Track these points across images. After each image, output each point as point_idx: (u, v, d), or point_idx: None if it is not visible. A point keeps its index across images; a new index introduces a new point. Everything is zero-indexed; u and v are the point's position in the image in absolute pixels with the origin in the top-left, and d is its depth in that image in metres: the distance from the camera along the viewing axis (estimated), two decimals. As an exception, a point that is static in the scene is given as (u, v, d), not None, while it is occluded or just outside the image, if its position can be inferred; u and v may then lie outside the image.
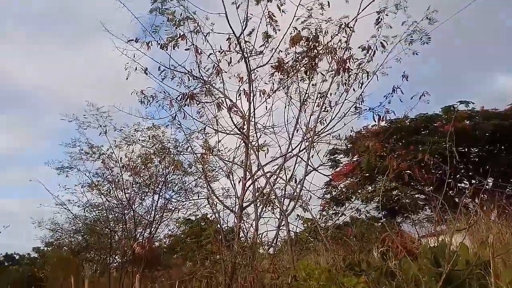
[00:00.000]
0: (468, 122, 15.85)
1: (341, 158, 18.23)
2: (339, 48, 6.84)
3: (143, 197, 12.75)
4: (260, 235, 6.70)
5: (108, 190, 12.56)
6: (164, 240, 16.28)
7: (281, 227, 6.45)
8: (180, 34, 6.18)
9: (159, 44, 6.32)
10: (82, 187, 12.41)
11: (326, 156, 9.29)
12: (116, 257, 14.81)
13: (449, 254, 3.81)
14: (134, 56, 6.44)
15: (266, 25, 6.45)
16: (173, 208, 13.25)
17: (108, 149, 11.65)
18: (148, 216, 12.78)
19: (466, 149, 17.01)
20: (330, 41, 6.84)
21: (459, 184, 17.22)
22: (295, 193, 6.51)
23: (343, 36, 6.76)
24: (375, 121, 6.62)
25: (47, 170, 12.48)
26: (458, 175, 17.20)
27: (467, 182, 17.51)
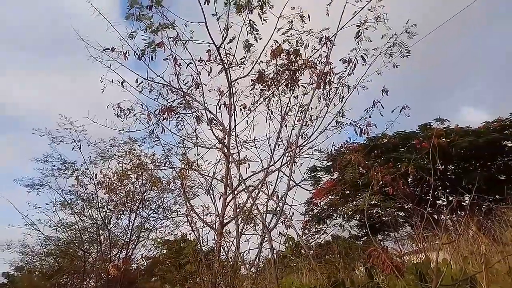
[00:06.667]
0: (444, 139, 16.20)
1: (321, 175, 18.30)
2: (319, 63, 6.84)
3: (119, 216, 12.27)
4: (242, 254, 6.44)
5: (82, 209, 12.02)
6: (142, 262, 15.67)
7: (263, 245, 6.21)
8: (157, 41, 6.03)
9: (136, 54, 6.14)
10: (54, 206, 11.83)
11: (306, 173, 9.19)
12: (90, 281, 14.09)
13: (437, 269, 3.72)
14: (110, 66, 6.22)
15: (247, 34, 6.40)
16: (150, 228, 12.80)
17: (82, 165, 11.20)
18: (125, 236, 12.27)
19: (442, 166, 17.32)
20: (311, 56, 6.83)
21: (437, 201, 17.47)
22: (278, 209, 6.32)
23: (324, 51, 6.77)
24: (357, 134, 6.57)
25: (23, 191, 11.83)
26: (436, 192, 17.45)
27: (445, 199, 17.78)
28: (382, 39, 6.17)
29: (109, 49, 6.08)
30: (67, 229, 12.63)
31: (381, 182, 4.81)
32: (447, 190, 17.97)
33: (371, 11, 6.01)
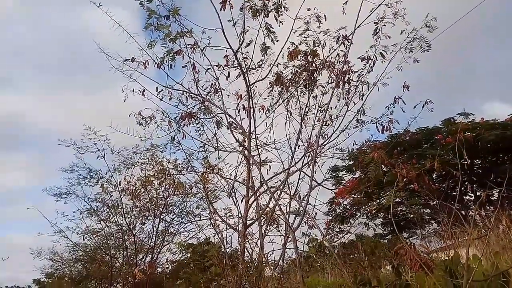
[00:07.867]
0: (469, 133, 15.74)
1: (343, 175, 18.13)
2: (337, 62, 6.80)
3: (143, 221, 12.49)
4: (266, 255, 6.45)
5: (108, 216, 12.30)
6: (167, 266, 15.90)
7: (287, 245, 6.21)
8: (176, 49, 6.13)
9: (155, 63, 6.26)
10: (81, 213, 12.17)
11: (328, 173, 9.14)
12: (118, 286, 14.40)
13: (467, 265, 3.64)
14: (131, 76, 6.37)
15: (264, 37, 6.43)
16: (174, 232, 12.97)
17: (106, 173, 11.48)
18: (150, 241, 12.48)
19: (469, 161, 16.83)
20: (329, 56, 6.80)
21: (464, 197, 17.02)
22: (300, 209, 6.31)
23: (341, 50, 6.73)
24: (379, 131, 6.49)
25: (54, 203, 12.22)
26: (463, 188, 17.00)
27: (472, 195, 17.30)
28: (401, 34, 6.09)
29: (129, 59, 6.23)
30: (94, 236, 12.96)
31: (405, 179, 4.74)
32: (474, 185, 17.48)
33: (389, 7, 5.94)
